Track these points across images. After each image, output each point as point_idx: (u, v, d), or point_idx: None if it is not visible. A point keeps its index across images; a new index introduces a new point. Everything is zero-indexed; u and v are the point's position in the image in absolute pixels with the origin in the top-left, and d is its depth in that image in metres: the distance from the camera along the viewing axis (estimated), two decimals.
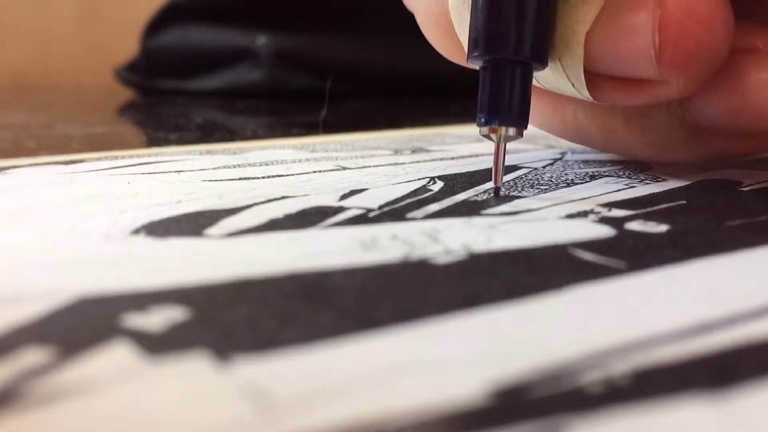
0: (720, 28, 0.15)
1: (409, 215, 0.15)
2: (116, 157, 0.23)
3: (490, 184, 0.18)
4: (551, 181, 0.19)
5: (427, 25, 0.19)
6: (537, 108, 0.20)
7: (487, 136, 0.17)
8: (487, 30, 0.16)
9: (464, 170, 0.20)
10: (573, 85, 0.17)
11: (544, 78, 0.17)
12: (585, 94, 0.17)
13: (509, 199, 0.17)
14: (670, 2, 0.15)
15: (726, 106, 0.17)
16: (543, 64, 0.16)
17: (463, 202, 0.17)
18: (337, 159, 0.23)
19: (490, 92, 0.16)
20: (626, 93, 0.16)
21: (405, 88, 0.49)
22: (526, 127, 0.17)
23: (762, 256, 0.13)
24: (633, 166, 0.21)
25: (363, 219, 0.15)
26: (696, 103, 0.17)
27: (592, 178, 0.19)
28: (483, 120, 0.16)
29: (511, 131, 0.16)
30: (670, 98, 0.17)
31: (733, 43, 0.16)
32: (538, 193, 0.18)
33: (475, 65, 0.17)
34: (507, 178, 0.19)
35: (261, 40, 0.50)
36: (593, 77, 0.16)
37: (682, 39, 0.15)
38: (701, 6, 0.15)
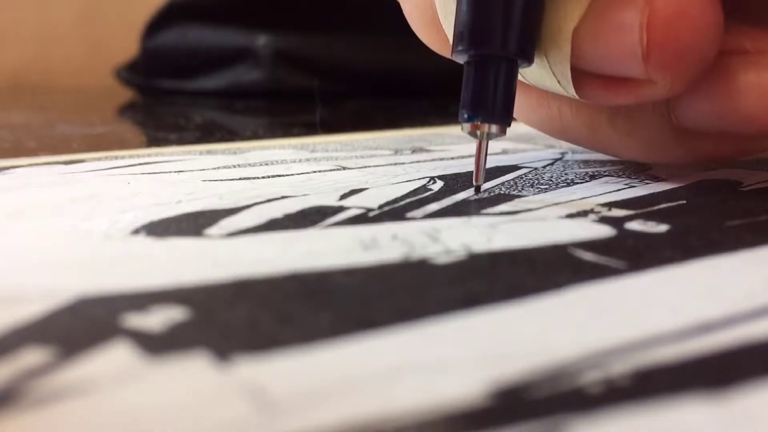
0: (709, 29, 0.15)
1: (409, 215, 0.15)
2: (116, 157, 0.23)
3: (490, 184, 0.18)
4: (551, 181, 0.19)
5: (412, 16, 0.19)
6: (522, 103, 0.19)
7: (472, 134, 0.16)
8: (472, 24, 0.16)
9: (464, 170, 0.20)
10: (559, 82, 0.16)
11: (530, 74, 0.17)
12: (571, 92, 0.16)
13: (509, 198, 0.17)
14: (659, 0, 0.15)
15: (713, 107, 0.16)
16: (529, 61, 0.16)
17: (463, 202, 0.17)
18: (337, 159, 0.23)
19: (474, 88, 0.16)
20: (612, 92, 0.16)
21: (405, 88, 0.49)
22: (509, 125, 0.16)
23: (762, 256, 0.13)
24: (633, 166, 0.21)
25: (363, 219, 0.15)
26: (683, 104, 0.17)
27: (592, 178, 0.19)
28: (465, 116, 0.16)
29: (494, 129, 0.16)
30: (656, 98, 0.16)
31: (722, 44, 0.15)
32: (538, 192, 0.18)
33: (459, 60, 0.16)
34: (507, 177, 0.19)
35: (261, 40, 0.50)
36: (579, 75, 0.16)
37: (671, 38, 0.15)
38: (691, 5, 0.15)
